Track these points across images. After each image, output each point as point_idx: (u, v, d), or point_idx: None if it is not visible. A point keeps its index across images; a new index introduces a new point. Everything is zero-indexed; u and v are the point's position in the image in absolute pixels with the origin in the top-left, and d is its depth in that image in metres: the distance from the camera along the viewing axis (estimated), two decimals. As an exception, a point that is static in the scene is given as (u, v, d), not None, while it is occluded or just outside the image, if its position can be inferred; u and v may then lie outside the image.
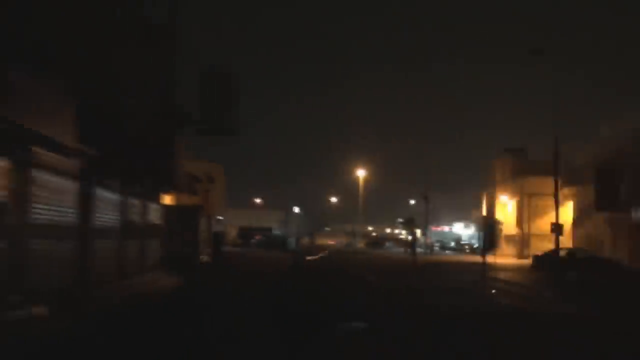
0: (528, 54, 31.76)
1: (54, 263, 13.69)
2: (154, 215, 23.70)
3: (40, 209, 12.94)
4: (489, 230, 18.53)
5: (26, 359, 9.36)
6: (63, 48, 13.25)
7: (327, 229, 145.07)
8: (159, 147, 19.31)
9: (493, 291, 24.17)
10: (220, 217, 70.36)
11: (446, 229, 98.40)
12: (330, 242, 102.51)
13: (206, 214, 59.52)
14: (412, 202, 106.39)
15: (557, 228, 31.23)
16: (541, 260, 35.67)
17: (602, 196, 42.08)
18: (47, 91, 12.44)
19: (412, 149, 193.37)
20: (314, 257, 51.99)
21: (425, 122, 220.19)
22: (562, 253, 35.34)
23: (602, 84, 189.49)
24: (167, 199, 35.53)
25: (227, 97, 21.89)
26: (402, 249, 75.21)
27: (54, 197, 13.75)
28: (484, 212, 74.32)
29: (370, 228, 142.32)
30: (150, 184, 20.98)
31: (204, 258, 36.81)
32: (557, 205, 32.11)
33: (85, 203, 15.42)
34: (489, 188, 71.47)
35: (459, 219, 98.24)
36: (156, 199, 23.80)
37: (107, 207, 17.70)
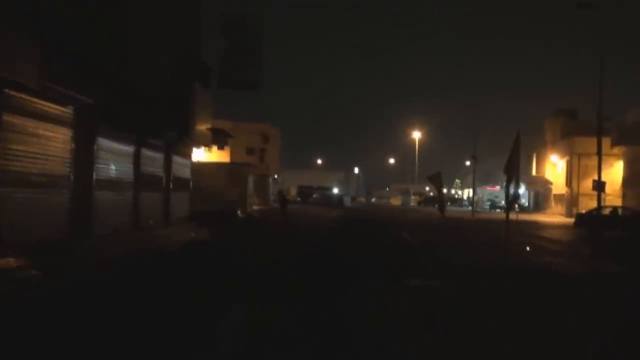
0: (576, 9, 28.54)
1: (39, 213, 12.36)
2: (182, 170, 22.33)
3: (17, 156, 11.56)
4: (512, 184, 16.29)
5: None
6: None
7: (387, 189, 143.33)
8: (173, 99, 17.68)
9: (527, 248, 22.48)
10: (276, 176, 69.28)
11: (498, 188, 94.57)
12: (386, 200, 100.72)
13: (260, 173, 58.58)
14: (468, 163, 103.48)
15: (599, 186, 28.53)
16: (584, 218, 33.04)
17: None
18: (21, 38, 10.95)
19: (468, 112, 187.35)
20: (363, 214, 50.36)
21: (482, 86, 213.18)
22: (605, 211, 32.82)
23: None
24: (210, 155, 34.39)
25: (249, 49, 20.00)
26: (455, 207, 73.08)
27: (39, 144, 12.36)
28: (534, 171, 70.90)
29: (427, 188, 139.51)
30: (172, 138, 19.45)
31: (245, 213, 35.27)
32: (599, 162, 29.37)
33: (82, 152, 14.02)
34: (539, 149, 67.81)
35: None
36: (184, 154, 22.33)
37: (117, 159, 16.29)
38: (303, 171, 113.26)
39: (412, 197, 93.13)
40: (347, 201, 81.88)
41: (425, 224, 37.05)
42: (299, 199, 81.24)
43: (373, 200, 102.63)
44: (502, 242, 18.77)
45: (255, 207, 50.57)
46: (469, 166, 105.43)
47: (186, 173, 22.78)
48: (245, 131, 60.46)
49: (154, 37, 16.36)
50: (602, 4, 26.94)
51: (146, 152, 18.20)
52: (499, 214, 64.08)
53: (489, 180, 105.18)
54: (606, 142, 50.23)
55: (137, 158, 17.51)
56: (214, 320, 7.92)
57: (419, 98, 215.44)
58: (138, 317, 7.98)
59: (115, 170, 16.19)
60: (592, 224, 29.52)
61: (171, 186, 20.64)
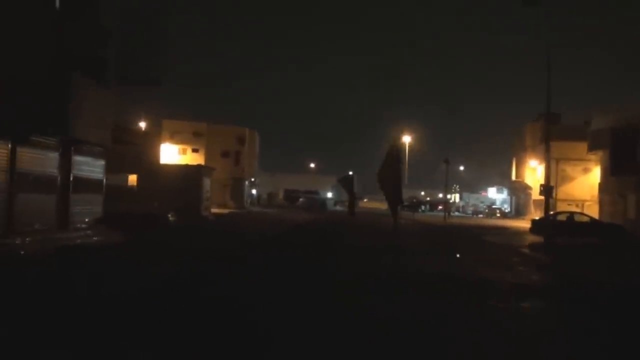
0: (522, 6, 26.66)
1: None
2: (90, 170, 20.84)
3: None
4: (396, 187, 14.74)
5: None
6: None
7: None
8: (54, 94, 16.14)
9: (458, 255, 21.39)
10: (253, 179, 67.73)
11: (486, 194, 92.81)
12: (375, 205, 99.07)
13: (235, 176, 57.13)
14: (462, 167, 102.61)
15: (546, 190, 26.82)
16: (539, 224, 31.26)
17: (617, 160, 37.28)
18: None
19: (454, 116, 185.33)
20: (335, 218, 49.00)
21: (479, 87, 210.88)
22: (562, 217, 31.34)
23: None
24: (184, 157, 33.09)
25: (150, 42, 18.47)
26: (440, 212, 71.06)
27: None
28: (513, 176, 69.06)
29: (422, 193, 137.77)
30: (64, 135, 17.86)
31: (197, 217, 33.68)
32: (547, 165, 27.84)
33: None
34: (520, 153, 66.06)
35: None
36: (92, 153, 20.79)
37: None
38: (295, 174, 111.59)
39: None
40: (331, 205, 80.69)
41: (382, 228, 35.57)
42: (286, 202, 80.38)
43: (361, 204, 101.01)
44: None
45: (225, 211, 48.99)
46: (462, 170, 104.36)
47: (96, 173, 21.27)
48: (220, 133, 58.92)
49: (21, 28, 14.92)
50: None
51: (28, 151, 16.75)
52: (478, 219, 62.41)
53: (482, 185, 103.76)
54: (584, 146, 48.82)
55: (12, 157, 16.05)
56: None
57: (415, 102, 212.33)
58: None
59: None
60: (545, 231, 28.03)
61: (71, 187, 19.15)
